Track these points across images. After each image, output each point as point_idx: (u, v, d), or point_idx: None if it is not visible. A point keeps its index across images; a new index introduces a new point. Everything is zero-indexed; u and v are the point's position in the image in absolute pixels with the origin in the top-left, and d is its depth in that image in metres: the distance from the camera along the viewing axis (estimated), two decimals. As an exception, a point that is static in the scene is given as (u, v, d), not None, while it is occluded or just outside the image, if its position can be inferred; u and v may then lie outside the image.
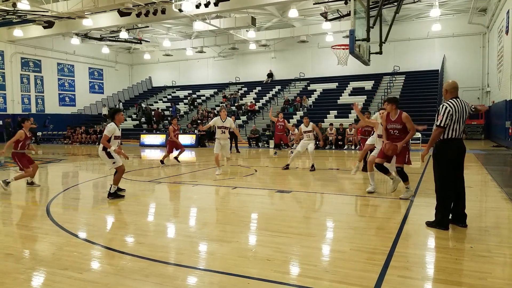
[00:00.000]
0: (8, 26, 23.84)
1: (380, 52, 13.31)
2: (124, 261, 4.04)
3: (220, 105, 28.89)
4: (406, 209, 6.09)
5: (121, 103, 33.16)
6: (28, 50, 28.55)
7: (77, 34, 27.10)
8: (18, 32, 24.83)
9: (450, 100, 4.91)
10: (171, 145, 12.98)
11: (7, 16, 21.03)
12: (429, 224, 5.06)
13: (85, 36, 27.56)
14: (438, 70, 25.41)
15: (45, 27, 22.32)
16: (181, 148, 12.98)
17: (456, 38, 25.77)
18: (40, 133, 27.73)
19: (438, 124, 4.83)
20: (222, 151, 10.33)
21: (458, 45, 25.79)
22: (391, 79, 26.61)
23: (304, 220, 5.67)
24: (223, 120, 10.25)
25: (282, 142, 16.40)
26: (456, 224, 5.00)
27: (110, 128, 7.09)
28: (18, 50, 27.93)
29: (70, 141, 26.84)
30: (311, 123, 10.77)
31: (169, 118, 28.66)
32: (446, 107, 4.83)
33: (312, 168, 10.69)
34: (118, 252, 4.31)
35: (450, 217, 5.01)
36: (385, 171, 6.95)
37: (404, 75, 26.75)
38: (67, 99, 32.07)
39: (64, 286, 3.44)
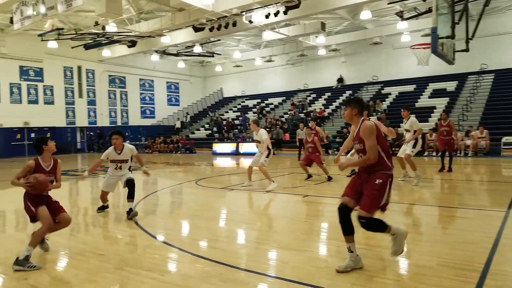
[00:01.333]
0: (98, 47, 26.34)
1: (467, 50, 12.20)
2: (201, 265, 4.14)
3: (288, 112, 28.86)
4: (501, 222, 5.47)
5: (188, 116, 34.66)
6: (114, 68, 31.19)
7: (156, 51, 29.00)
8: (106, 52, 27.35)
9: None
10: None
11: (97, 39, 23.34)
12: None
13: (163, 52, 29.38)
14: (533, 67, 22.77)
15: (129, 46, 24.35)
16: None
17: (554, 29, 22.89)
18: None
19: None
20: (253, 163, 9.64)
21: (557, 38, 22.89)
22: (477, 78, 24.37)
23: (382, 230, 5.35)
24: (256, 133, 9.57)
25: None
26: None
27: (106, 152, 6.73)
28: (106, 68, 30.64)
29: (150, 150, 28.65)
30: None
31: (239, 127, 29.34)
32: None
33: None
34: (195, 256, 4.43)
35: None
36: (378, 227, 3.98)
37: (493, 74, 24.27)
38: (147, 111, 34.38)
39: (147, 287, 3.61)
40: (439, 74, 25.13)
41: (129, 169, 6.76)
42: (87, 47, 25.62)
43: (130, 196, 6.43)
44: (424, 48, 15.66)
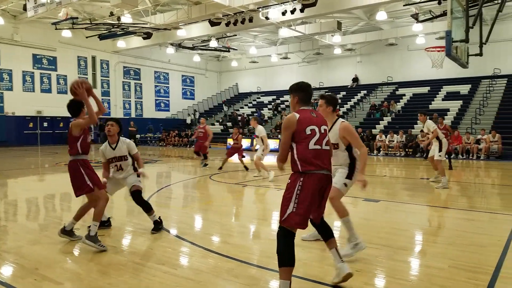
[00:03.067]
0: (113, 38, 26.51)
1: (480, 54, 12.17)
2: (214, 259, 4.22)
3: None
4: (511, 226, 5.45)
5: (197, 113, 34.34)
6: (129, 60, 31.42)
7: (172, 44, 29.12)
8: (121, 43, 27.56)
9: None
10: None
11: (112, 29, 23.50)
12: None
13: (179, 45, 29.50)
14: (547, 72, 22.42)
15: (144, 38, 24.50)
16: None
17: None
18: (139, 135, 30.27)
19: None
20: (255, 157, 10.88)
21: None
22: (490, 83, 24.10)
23: (394, 232, 5.38)
24: (256, 129, 10.87)
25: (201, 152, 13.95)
26: None
27: (100, 152, 5.48)
28: (120, 59, 30.88)
29: (164, 144, 28.87)
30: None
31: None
32: None
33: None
34: (208, 251, 4.50)
35: None
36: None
37: (506, 79, 24.01)
38: (162, 104, 34.61)
39: (160, 280, 3.68)
40: (452, 77, 24.87)
41: (134, 170, 5.44)
42: (101, 37, 25.79)
43: (146, 211, 5.34)
44: (438, 51, 15.55)
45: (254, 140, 11.00)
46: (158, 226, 5.26)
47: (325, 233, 3.60)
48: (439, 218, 6.39)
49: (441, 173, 9.09)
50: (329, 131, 3.62)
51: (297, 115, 3.35)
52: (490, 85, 23.76)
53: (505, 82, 23.79)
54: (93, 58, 29.30)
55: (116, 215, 6.51)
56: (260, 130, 10.74)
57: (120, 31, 24.00)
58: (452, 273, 3.78)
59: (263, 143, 10.55)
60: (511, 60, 24.28)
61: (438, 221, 6.20)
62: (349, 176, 4.29)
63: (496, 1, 14.94)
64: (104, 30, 24.13)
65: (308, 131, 3.30)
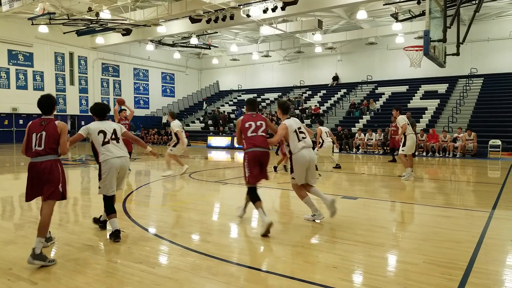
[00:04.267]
0: (91, 34, 26.00)
1: (457, 54, 12.47)
2: (192, 258, 4.19)
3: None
4: (485, 222, 5.62)
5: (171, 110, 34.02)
6: (108, 56, 30.88)
7: (151, 41, 28.78)
8: (99, 39, 27.06)
9: None
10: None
11: (90, 25, 23.01)
12: None
13: (159, 42, 29.16)
14: (521, 73, 23.19)
15: (123, 35, 24.07)
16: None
17: (542, 37, 23.33)
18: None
19: None
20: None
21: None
22: (467, 82, 24.75)
23: (371, 228, 5.46)
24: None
25: None
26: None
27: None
28: (99, 56, 30.32)
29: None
30: None
31: (234, 121, 29.31)
32: None
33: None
34: (186, 249, 4.47)
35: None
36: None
37: (482, 78, 24.72)
38: (141, 101, 34.17)
39: (137, 279, 3.63)
40: (430, 77, 25.43)
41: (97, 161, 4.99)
42: (79, 33, 25.27)
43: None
44: (416, 50, 15.81)
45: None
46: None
47: (255, 197, 5.29)
48: (416, 215, 6.52)
49: (405, 165, 9.83)
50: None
51: (242, 117, 5.49)
52: (467, 85, 24.39)
53: (481, 81, 24.46)
54: (71, 54, 28.68)
55: (94, 213, 6.38)
56: (174, 125, 10.41)
57: (98, 27, 23.54)
58: (427, 268, 3.86)
59: (176, 138, 10.31)
60: (488, 60, 24.99)
61: (415, 218, 6.33)
62: (291, 170, 5.60)
63: (473, 2, 15.33)
64: (82, 26, 23.62)
65: (247, 125, 5.37)
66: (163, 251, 4.52)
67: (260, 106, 30.87)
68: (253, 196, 5.29)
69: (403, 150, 9.79)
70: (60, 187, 4.15)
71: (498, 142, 17.24)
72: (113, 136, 4.85)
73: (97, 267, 3.92)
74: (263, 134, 5.37)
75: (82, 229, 5.38)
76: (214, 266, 3.93)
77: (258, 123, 5.37)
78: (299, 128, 5.56)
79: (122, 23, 22.16)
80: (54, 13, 20.69)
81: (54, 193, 4.13)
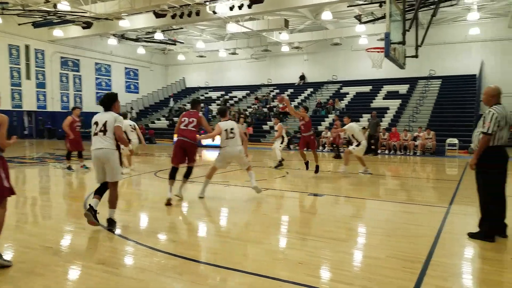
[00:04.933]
0: (49, 26, 24.80)
1: (416, 56, 12.97)
2: (158, 258, 4.11)
3: (252, 106, 28.99)
4: (442, 217, 5.87)
5: (133, 111, 31.95)
6: (67, 50, 29.64)
7: (114, 35, 27.90)
8: (58, 32, 25.82)
9: (495, 106, 4.68)
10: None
11: (48, 17, 21.88)
12: (472, 235, 4.76)
13: (122, 37, 28.34)
14: (475, 75, 24.41)
15: (84, 28, 23.13)
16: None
17: (495, 42, 24.68)
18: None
19: (485, 131, 4.56)
20: None
21: (497, 50, 24.68)
22: (426, 83, 25.82)
23: (337, 225, 5.58)
24: None
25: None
26: (496, 234, 4.77)
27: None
28: (58, 49, 29.03)
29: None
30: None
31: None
32: (494, 113, 4.56)
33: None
34: (152, 249, 4.37)
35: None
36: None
37: (441, 80, 25.87)
38: (103, 98, 33.11)
39: (100, 280, 3.52)
40: (392, 77, 26.28)
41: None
42: (36, 25, 24.04)
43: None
44: (378, 51, 16.27)
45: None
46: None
47: (172, 175, 6.88)
48: (380, 211, 6.71)
49: (345, 162, 10.65)
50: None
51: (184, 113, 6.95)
52: (426, 86, 25.43)
53: (440, 83, 25.58)
54: (27, 47, 27.23)
55: (54, 214, 6.13)
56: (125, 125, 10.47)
57: (56, 19, 22.43)
58: (389, 262, 3.99)
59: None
60: (445, 62, 26.13)
61: (379, 214, 6.51)
62: (217, 158, 7.22)
63: (431, 7, 15.99)
64: (39, 18, 22.40)
65: (182, 120, 6.82)
66: (127, 251, 4.41)
67: (228, 103, 30.83)
68: (170, 174, 6.78)
69: (354, 149, 10.40)
70: (6, 183, 3.84)
71: (455, 140, 18.09)
72: (102, 128, 4.92)
73: (57, 270, 3.76)
74: (193, 129, 6.73)
75: (41, 230, 5.15)
76: (180, 266, 3.87)
77: (191, 119, 6.75)
78: (232, 129, 6.94)
79: (82, 16, 21.30)
80: (7, 3, 19.49)
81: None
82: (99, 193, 5.09)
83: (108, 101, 5.08)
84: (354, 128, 10.57)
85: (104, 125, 4.91)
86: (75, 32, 25.52)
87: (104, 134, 4.90)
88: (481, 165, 4.70)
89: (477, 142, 4.73)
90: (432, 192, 8.90)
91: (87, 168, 10.76)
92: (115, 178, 5.04)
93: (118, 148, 5.06)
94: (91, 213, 4.87)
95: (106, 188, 5.11)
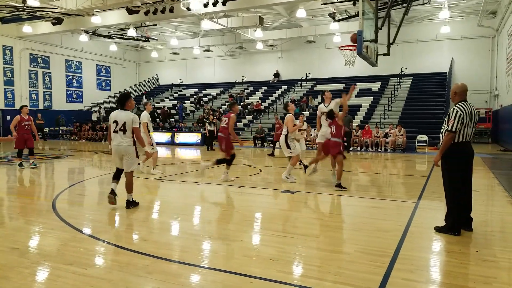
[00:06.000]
0: (18, 22, 23.98)
1: (388, 54, 13.25)
2: (128, 257, 4.06)
3: (226, 104, 28.92)
4: (411, 212, 6.05)
5: (102, 109, 31.49)
6: (36, 46, 28.72)
7: (85, 31, 27.20)
8: (27, 28, 24.99)
9: (459, 104, 4.82)
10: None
11: (16, 12, 21.16)
12: (438, 229, 4.92)
13: (93, 33, 27.68)
14: (446, 73, 25.19)
15: (54, 24, 22.44)
16: None
17: (465, 40, 25.55)
18: (47, 129, 27.93)
19: (449, 129, 4.71)
20: None
21: (467, 48, 25.56)
22: (398, 81, 26.44)
23: (308, 221, 5.66)
24: None
25: None
26: (462, 228, 4.96)
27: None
28: (27, 46, 28.09)
29: (76, 138, 26.99)
30: None
31: (175, 116, 28.73)
32: (457, 111, 4.71)
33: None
34: (122, 249, 4.33)
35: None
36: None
37: (412, 77, 26.55)
38: (74, 95, 32.25)
39: (68, 281, 3.46)
40: (365, 75, 26.76)
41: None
42: (3, 21, 23.22)
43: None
44: (351, 49, 16.48)
45: None
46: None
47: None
48: (350, 206, 6.84)
49: (312, 162, 10.11)
50: None
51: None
52: (398, 83, 26.04)
53: (411, 80, 26.27)
54: (-6, 43, 26.27)
55: (20, 214, 5.95)
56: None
57: (25, 15, 21.70)
58: (358, 257, 4.09)
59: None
60: (417, 60, 26.84)
61: (349, 209, 6.64)
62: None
63: (403, 5, 16.35)
64: (7, 13, 21.62)
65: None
66: (96, 251, 4.33)
67: (201, 101, 30.64)
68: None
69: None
70: None
71: (425, 137, 18.63)
72: (122, 128, 5.98)
73: (24, 271, 3.67)
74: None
75: (7, 232, 4.99)
76: (150, 265, 3.84)
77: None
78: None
79: (52, 12, 20.68)
80: (-28, -3, 18.81)
81: None
82: (116, 178, 6.27)
83: (123, 99, 6.08)
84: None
85: (124, 125, 5.95)
86: (45, 28, 24.76)
87: (124, 133, 5.98)
88: (447, 161, 4.87)
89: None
90: (401, 187, 9.15)
91: (35, 165, 11.28)
92: (131, 168, 6.18)
93: (134, 144, 6.11)
94: (113, 195, 6.13)
95: (120, 173, 6.26)
